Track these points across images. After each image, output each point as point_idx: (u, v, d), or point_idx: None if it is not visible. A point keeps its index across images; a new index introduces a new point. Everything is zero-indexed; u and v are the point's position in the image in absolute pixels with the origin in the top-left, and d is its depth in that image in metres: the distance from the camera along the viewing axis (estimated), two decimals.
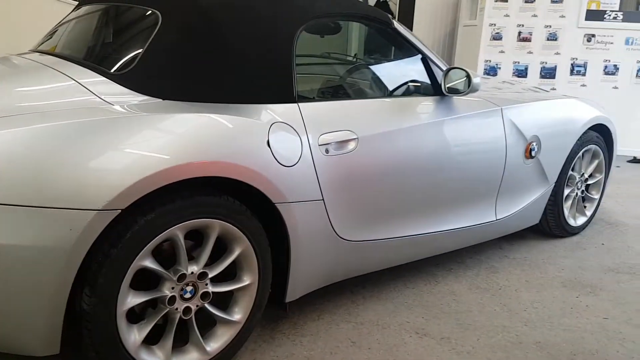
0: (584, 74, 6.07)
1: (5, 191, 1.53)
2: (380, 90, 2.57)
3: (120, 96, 1.86)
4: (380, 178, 2.33)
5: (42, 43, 2.57)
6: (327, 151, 2.15)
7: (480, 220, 2.85)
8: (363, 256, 2.40)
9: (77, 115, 1.71)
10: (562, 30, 5.98)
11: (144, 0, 2.16)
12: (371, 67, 2.57)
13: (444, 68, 2.63)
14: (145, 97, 1.88)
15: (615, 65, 6.02)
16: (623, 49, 5.97)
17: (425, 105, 2.56)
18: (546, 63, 6.08)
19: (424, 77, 2.63)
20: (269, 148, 1.97)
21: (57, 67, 2.01)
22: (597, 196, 3.66)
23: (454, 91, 2.52)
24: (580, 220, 3.58)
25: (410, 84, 2.61)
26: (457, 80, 2.52)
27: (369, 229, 2.36)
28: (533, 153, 3.00)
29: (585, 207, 3.62)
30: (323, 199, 2.15)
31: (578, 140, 3.30)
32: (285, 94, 2.12)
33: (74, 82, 1.89)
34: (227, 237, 1.95)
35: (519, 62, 6.09)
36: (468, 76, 2.48)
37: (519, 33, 6.03)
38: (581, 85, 6.07)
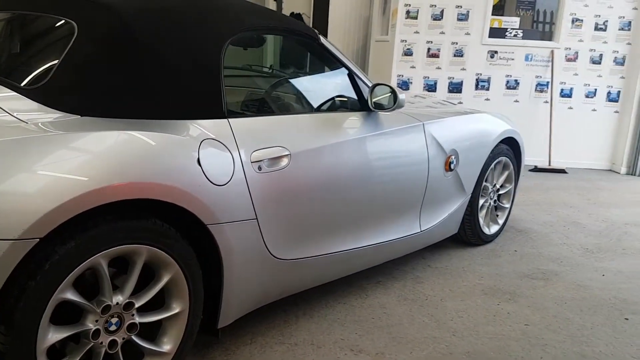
0: (487, 89, 6.39)
1: None
2: (309, 105, 2.55)
3: (34, 113, 1.71)
4: (312, 194, 2.30)
5: None
6: (259, 168, 2.09)
7: (407, 232, 2.89)
8: (297, 274, 2.35)
9: None
10: (468, 46, 6.27)
11: (57, 8, 2.00)
12: (299, 81, 2.53)
13: (369, 83, 2.65)
14: (61, 114, 1.74)
15: (516, 80, 6.39)
16: (523, 64, 6.35)
17: (353, 120, 2.57)
18: (453, 78, 6.34)
19: (349, 92, 2.63)
20: (199, 166, 1.88)
21: None
22: (508, 205, 3.84)
23: (380, 107, 2.55)
24: (494, 229, 3.74)
25: (337, 99, 2.61)
26: (382, 95, 2.54)
27: (301, 246, 2.32)
28: (452, 166, 3.09)
29: (497, 215, 3.78)
30: (257, 218, 2.08)
31: (491, 152, 3.44)
32: (214, 109, 2.04)
33: None
34: (154, 263, 1.83)
35: (428, 77, 6.31)
36: (394, 92, 2.52)
37: (428, 49, 6.26)
38: (485, 99, 6.38)
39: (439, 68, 6.30)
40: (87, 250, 1.61)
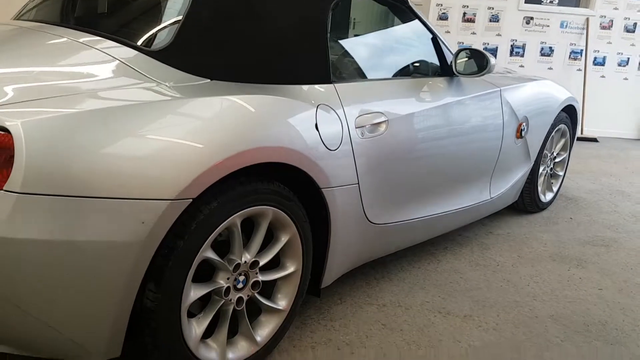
0: (522, 55, 6.35)
1: (68, 181, 1.36)
2: (400, 69, 2.55)
3: (167, 75, 1.71)
4: (404, 161, 2.32)
5: (29, 10, 2.30)
6: (362, 134, 2.11)
7: (479, 199, 2.92)
8: (386, 238, 2.39)
9: (134, 96, 1.56)
10: (504, 12, 6.20)
11: None
12: (389, 46, 2.53)
13: (450, 49, 2.64)
14: (193, 77, 1.74)
15: (550, 47, 6.35)
16: (558, 31, 6.30)
17: (439, 85, 2.57)
18: (488, 44, 6.29)
19: (434, 57, 2.63)
20: (317, 131, 1.90)
21: (83, 39, 1.80)
22: (561, 173, 3.87)
23: (469, 72, 2.55)
24: (549, 196, 3.78)
25: (422, 63, 2.61)
26: (469, 60, 2.54)
27: (392, 211, 2.35)
28: (523, 133, 3.11)
29: (552, 183, 3.82)
30: (358, 183, 2.11)
31: (554, 120, 3.45)
32: (322, 74, 2.05)
33: (111, 58, 1.71)
34: (275, 224, 1.87)
35: (463, 42, 6.26)
36: (484, 56, 2.51)
37: (464, 14, 6.20)
38: (519, 66, 6.35)
39: (474, 33, 6.26)
40: (226, 211, 1.64)
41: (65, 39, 1.79)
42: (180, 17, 1.83)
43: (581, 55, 6.37)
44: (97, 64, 1.68)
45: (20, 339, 1.46)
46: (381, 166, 2.21)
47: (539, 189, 3.60)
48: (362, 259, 2.35)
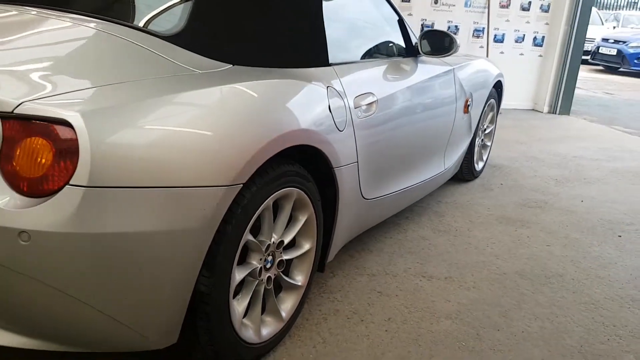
0: None
1: (133, 172, 1.36)
2: (378, 51, 2.67)
3: (193, 61, 1.71)
4: (390, 137, 2.46)
5: None
6: (359, 114, 2.22)
7: (438, 170, 3.15)
8: (374, 212, 2.53)
9: (177, 85, 1.55)
10: None
11: None
12: (368, 28, 2.63)
13: (413, 30, 2.81)
14: (217, 62, 1.76)
15: (456, 26, 6.76)
16: (463, 10, 6.72)
17: (411, 66, 2.73)
18: None
19: (400, 38, 2.78)
20: (330, 113, 1.98)
21: (100, 26, 1.74)
22: (489, 143, 4.22)
23: (437, 52, 2.73)
24: (480, 165, 4.12)
25: (393, 45, 2.75)
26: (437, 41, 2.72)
27: (380, 186, 2.49)
28: (469, 108, 3.37)
29: (482, 153, 4.16)
30: (357, 162, 2.23)
31: (488, 95, 3.76)
32: (322, 57, 2.13)
33: (132, 44, 1.67)
34: (296, 205, 1.94)
35: None
36: (451, 37, 2.70)
37: None
38: None
39: None
40: (264, 194, 1.69)
41: (79, 26, 1.72)
42: (190, 1, 1.81)
43: (483, 33, 6.84)
44: (122, 51, 1.64)
45: (82, 336, 1.44)
46: (372, 144, 2.34)
47: (475, 158, 3.91)
48: (354, 233, 2.48)
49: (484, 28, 6.82)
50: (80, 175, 1.29)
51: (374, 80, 2.38)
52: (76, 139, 1.30)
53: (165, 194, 1.40)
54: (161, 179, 1.39)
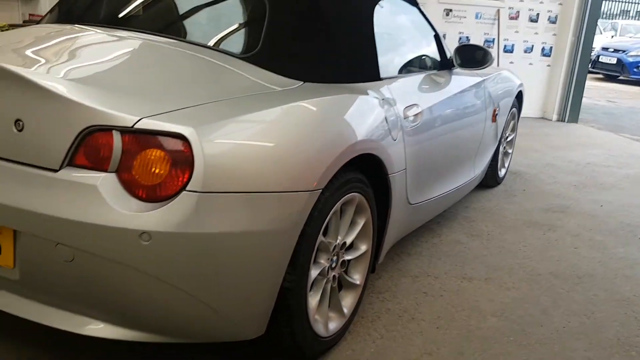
0: None
1: (239, 179, 1.51)
2: (418, 64, 2.82)
3: (272, 79, 1.86)
4: (432, 146, 2.61)
5: (66, 12, 2.30)
6: (407, 124, 2.36)
7: (470, 176, 3.30)
8: (417, 216, 2.68)
9: (266, 101, 1.71)
10: (426, 4, 6.67)
11: None
12: (409, 43, 2.79)
13: (445, 44, 2.98)
14: (290, 80, 1.91)
15: (467, 37, 6.94)
16: (474, 22, 6.90)
17: (448, 78, 2.89)
18: None
19: (435, 52, 2.94)
20: (387, 124, 2.13)
21: (184, 48, 1.89)
22: (511, 151, 4.38)
23: (472, 64, 2.88)
24: (503, 172, 4.27)
25: (431, 58, 2.91)
26: (473, 54, 2.88)
27: (422, 191, 2.64)
28: (497, 117, 3.53)
29: (504, 160, 4.31)
30: (406, 169, 2.37)
31: (512, 104, 3.92)
32: (374, 72, 2.28)
33: (216, 64, 1.83)
34: (356, 209, 2.08)
35: None
36: (485, 51, 2.86)
37: None
38: None
39: None
40: (335, 199, 1.83)
41: (166, 47, 1.87)
42: (261, 23, 1.97)
43: (493, 44, 7.02)
44: (212, 71, 1.79)
45: (186, 327, 1.58)
46: (417, 152, 2.48)
47: (498, 165, 4.07)
48: (399, 236, 2.62)
49: (494, 39, 7.00)
50: (196, 182, 1.44)
51: (418, 92, 2.54)
52: (191, 151, 1.44)
53: (263, 198, 1.54)
54: (260, 185, 1.54)
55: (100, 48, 1.92)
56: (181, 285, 1.49)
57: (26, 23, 5.39)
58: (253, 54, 1.92)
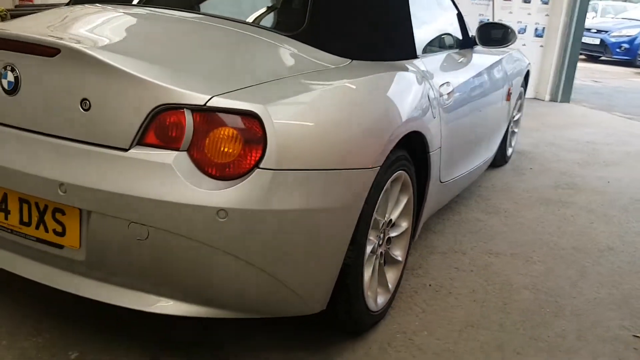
0: None
1: (309, 157, 1.52)
2: (446, 43, 2.85)
3: (324, 57, 1.87)
4: (461, 124, 2.65)
5: None
6: (443, 102, 2.39)
7: (488, 154, 3.35)
8: (445, 194, 2.72)
9: (325, 79, 1.72)
10: None
11: None
12: (437, 21, 2.81)
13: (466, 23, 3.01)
14: (340, 58, 1.92)
15: None
16: (469, 3, 6.94)
17: (471, 56, 2.92)
18: None
19: (458, 31, 2.97)
20: (429, 102, 2.16)
21: (238, 28, 1.89)
22: (517, 130, 4.44)
23: (498, 42, 2.91)
24: (510, 151, 4.34)
25: (455, 37, 2.94)
26: (497, 32, 2.92)
27: (451, 169, 2.68)
28: (510, 96, 3.57)
29: (511, 140, 4.38)
30: (441, 147, 2.40)
31: (521, 84, 3.97)
32: (412, 49, 2.30)
33: (274, 44, 1.83)
34: (401, 187, 2.11)
35: None
36: (509, 29, 2.90)
37: None
38: None
39: None
40: (387, 176, 1.86)
41: (221, 27, 1.87)
42: (305, 1, 1.97)
43: None
44: (268, 50, 1.80)
45: (256, 302, 1.60)
46: (450, 130, 2.51)
47: (507, 144, 4.13)
48: (429, 214, 2.66)
49: (488, 19, 7.04)
50: (269, 159, 1.45)
51: (449, 70, 2.56)
52: (262, 129, 1.45)
53: (331, 175, 1.56)
54: (328, 162, 1.56)
55: (155, 27, 1.91)
56: (253, 261, 1.51)
57: (17, 8, 5.28)
58: (300, 32, 1.92)
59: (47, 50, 1.52)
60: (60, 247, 1.61)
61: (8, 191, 1.65)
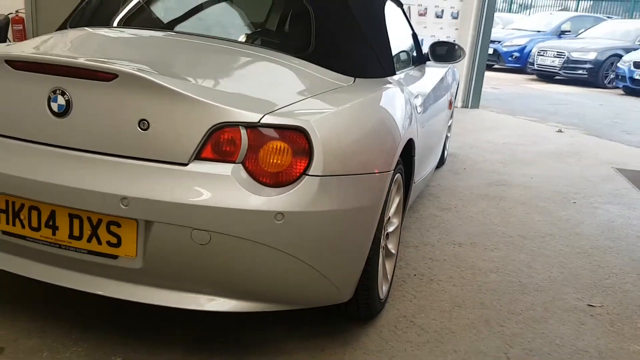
0: None
1: (347, 163, 1.76)
2: (408, 60, 3.17)
3: (336, 77, 2.11)
4: (427, 131, 2.98)
5: (107, 16, 2.40)
6: (417, 112, 2.71)
7: (438, 157, 3.73)
8: (415, 193, 3.04)
9: (346, 96, 1.97)
10: None
11: None
12: (402, 41, 3.12)
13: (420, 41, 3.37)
14: (346, 77, 2.17)
15: None
16: None
17: (427, 71, 3.28)
18: None
19: (413, 49, 3.32)
20: (414, 113, 2.46)
21: (260, 52, 2.09)
22: (449, 134, 4.89)
23: (448, 59, 3.28)
24: (446, 154, 4.77)
25: (411, 54, 3.28)
26: (446, 50, 3.29)
27: (420, 171, 3.00)
28: (451, 104, 3.98)
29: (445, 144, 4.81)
30: (415, 154, 2.72)
31: (455, 94, 4.41)
32: (392, 67, 2.59)
33: (294, 65, 2.06)
34: (397, 187, 2.38)
35: None
36: (459, 47, 3.28)
37: None
38: None
39: None
40: (392, 178, 2.13)
41: (246, 52, 2.08)
42: (308, 26, 2.21)
43: None
44: (290, 71, 2.02)
45: (301, 295, 1.81)
46: (421, 136, 2.83)
47: (445, 147, 4.55)
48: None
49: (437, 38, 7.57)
50: (317, 167, 1.67)
51: (416, 83, 2.89)
52: (308, 141, 1.67)
53: (365, 178, 1.82)
54: (362, 167, 1.81)
55: (188, 52, 2.07)
56: (303, 257, 1.72)
57: None
58: (308, 53, 2.15)
59: (103, 75, 1.65)
60: (115, 257, 1.73)
61: (57, 208, 1.75)
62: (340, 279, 1.86)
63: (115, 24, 2.36)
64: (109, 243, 1.73)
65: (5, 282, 2.30)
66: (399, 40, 3.00)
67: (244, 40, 2.17)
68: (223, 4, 2.44)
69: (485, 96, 9.49)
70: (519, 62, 14.04)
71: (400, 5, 3.17)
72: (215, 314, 2.06)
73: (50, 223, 1.76)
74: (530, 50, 13.76)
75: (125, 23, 2.36)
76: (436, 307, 2.42)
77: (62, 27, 2.46)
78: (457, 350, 2.12)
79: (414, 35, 3.32)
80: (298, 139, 1.68)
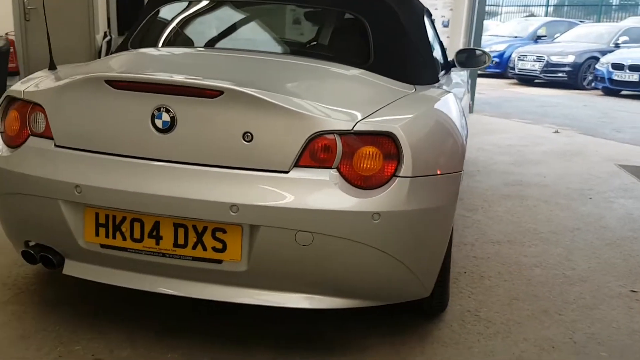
0: None
1: (430, 164, 1.88)
2: (442, 66, 3.33)
3: (402, 86, 2.23)
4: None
5: (172, 38, 2.50)
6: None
7: None
8: None
9: (416, 102, 2.09)
10: None
11: (339, 3, 2.47)
12: (435, 50, 3.27)
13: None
14: (409, 85, 2.29)
15: None
16: None
17: (454, 76, 3.44)
18: None
19: (441, 55, 3.47)
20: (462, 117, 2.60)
21: (318, 63, 2.21)
22: None
23: (475, 64, 3.44)
24: None
25: (440, 60, 3.43)
26: (476, 56, 3.45)
27: None
28: (470, 108, 4.14)
29: None
30: None
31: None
32: (437, 75, 2.73)
33: (363, 77, 2.18)
34: None
35: None
36: (485, 53, 3.44)
37: None
38: None
39: None
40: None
41: (310, 64, 2.20)
42: (366, 38, 2.34)
43: None
44: (364, 81, 2.14)
45: (389, 291, 1.93)
46: None
47: None
48: None
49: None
50: (406, 169, 1.79)
51: (454, 90, 3.03)
52: (396, 145, 1.79)
53: (448, 178, 1.94)
54: (444, 167, 1.93)
55: (271, 68, 2.20)
56: (396, 254, 1.83)
57: None
58: (370, 64, 2.28)
59: (209, 93, 1.75)
60: (219, 262, 1.82)
61: (161, 219, 1.83)
62: (425, 274, 1.97)
63: (184, 45, 2.46)
64: (214, 249, 1.82)
65: (83, 293, 2.36)
66: (435, 49, 3.15)
67: (312, 54, 2.29)
68: (286, 25, 2.57)
69: (475, 101, 9.75)
70: (499, 68, 14.36)
71: (430, 15, 3.32)
72: (294, 315, 2.16)
73: (154, 233, 1.84)
74: (510, 56, 14.09)
75: (192, 44, 2.46)
76: (495, 301, 2.54)
77: (123, 47, 2.54)
78: (527, 338, 2.25)
79: (441, 43, 3.47)
80: (387, 144, 1.79)
